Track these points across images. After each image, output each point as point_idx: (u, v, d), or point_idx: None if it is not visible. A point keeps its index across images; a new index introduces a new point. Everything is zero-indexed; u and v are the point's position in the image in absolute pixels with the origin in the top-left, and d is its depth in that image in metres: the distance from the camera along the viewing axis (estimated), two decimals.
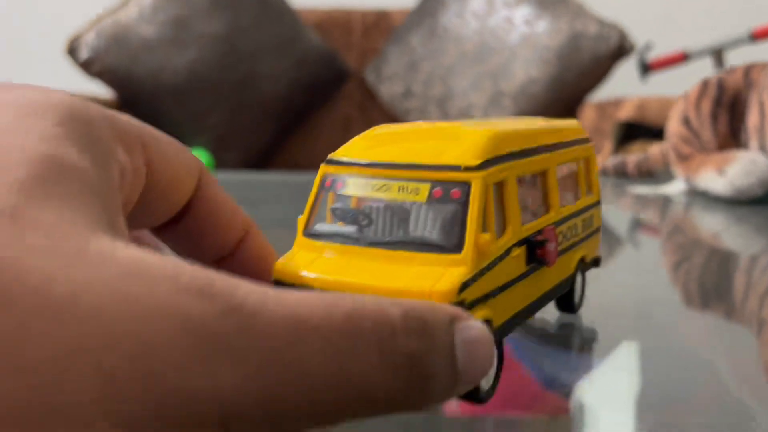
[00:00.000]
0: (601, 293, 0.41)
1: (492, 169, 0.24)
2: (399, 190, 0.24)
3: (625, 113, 1.48)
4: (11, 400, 0.12)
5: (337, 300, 0.16)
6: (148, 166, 0.21)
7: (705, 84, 0.82)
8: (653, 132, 1.35)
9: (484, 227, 0.24)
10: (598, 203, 0.36)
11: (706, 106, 0.80)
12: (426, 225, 0.24)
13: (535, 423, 0.24)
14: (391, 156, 0.25)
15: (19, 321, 0.13)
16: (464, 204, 0.23)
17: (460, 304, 0.22)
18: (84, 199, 0.16)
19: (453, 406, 0.26)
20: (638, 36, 1.64)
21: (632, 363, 0.30)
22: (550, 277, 0.29)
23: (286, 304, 0.15)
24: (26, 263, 0.13)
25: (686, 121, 0.81)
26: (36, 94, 0.18)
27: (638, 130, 1.42)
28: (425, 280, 0.22)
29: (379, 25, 1.80)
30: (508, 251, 0.25)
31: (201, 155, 1.49)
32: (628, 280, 0.45)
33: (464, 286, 0.22)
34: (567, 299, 0.33)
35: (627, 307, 0.38)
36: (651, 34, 1.63)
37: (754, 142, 0.76)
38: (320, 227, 0.25)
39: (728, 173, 0.72)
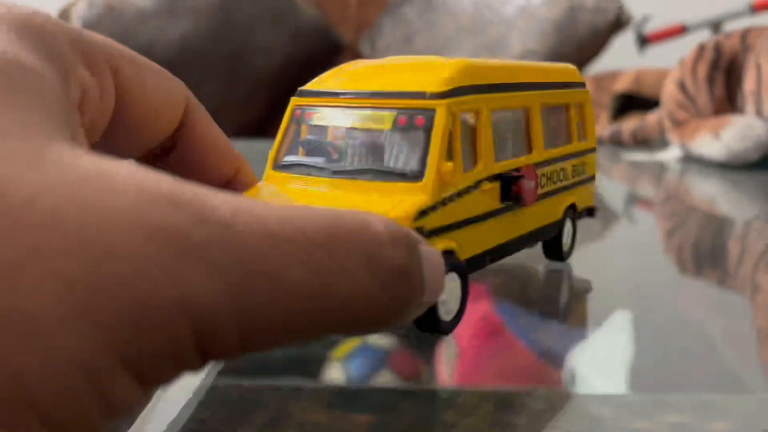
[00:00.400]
0: (595, 261, 0.40)
1: (459, 98, 0.23)
2: (366, 119, 0.24)
3: (621, 85, 1.47)
4: None
5: (317, 214, 0.15)
6: (121, 89, 0.20)
7: (701, 48, 0.81)
8: (650, 104, 1.34)
9: (449, 157, 0.23)
10: (592, 150, 0.34)
11: (703, 70, 0.79)
12: (391, 153, 0.23)
13: (529, 395, 0.24)
14: (360, 85, 0.25)
15: None
16: (428, 131, 0.23)
17: (419, 231, 0.21)
18: (43, 103, 0.15)
19: (447, 378, 0.25)
20: (636, 8, 1.62)
21: (626, 331, 0.29)
22: (531, 218, 0.29)
23: (260, 216, 0.14)
24: None
25: (682, 86, 0.81)
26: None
27: (635, 102, 1.41)
28: (382, 207, 0.22)
29: None
30: (477, 184, 0.24)
31: None
32: (622, 248, 0.44)
33: (422, 213, 0.22)
34: (555, 246, 0.33)
35: (621, 274, 0.38)
36: (649, 7, 1.61)
37: (750, 107, 0.75)
38: (288, 159, 0.25)
39: (724, 137, 0.71)
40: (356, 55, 1.78)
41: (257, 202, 0.15)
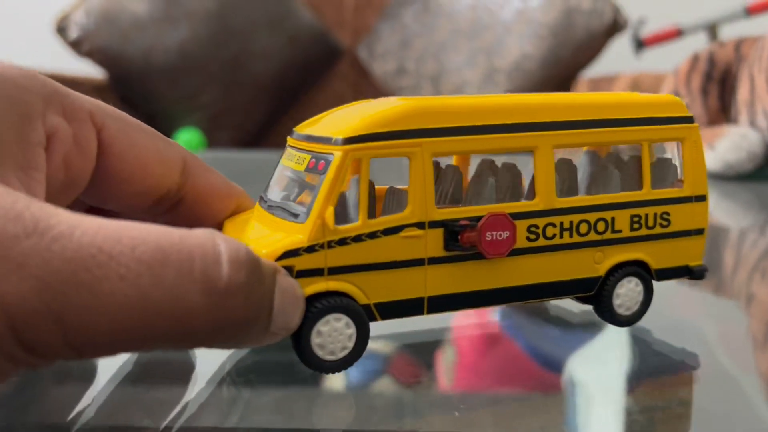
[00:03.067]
0: None
1: (371, 144, 0.24)
2: (295, 159, 0.26)
3: (618, 89, 1.47)
4: None
5: (153, 232, 0.17)
6: (106, 143, 0.23)
7: (695, 58, 0.81)
8: None
9: (346, 201, 0.25)
10: (691, 198, 0.29)
11: (697, 80, 0.79)
12: (297, 193, 0.25)
13: (528, 399, 0.25)
14: (306, 129, 0.26)
15: None
16: (324, 175, 0.24)
17: (287, 269, 0.22)
18: None
19: (447, 383, 0.26)
20: (632, 11, 1.62)
21: (623, 338, 0.30)
22: (528, 270, 0.26)
23: (94, 233, 0.17)
24: None
25: (676, 96, 0.81)
26: None
27: None
28: (264, 243, 0.23)
29: (372, 1, 1.78)
30: (394, 230, 0.24)
31: (193, 135, 1.48)
32: None
33: (290, 253, 0.23)
34: (602, 306, 0.28)
35: None
36: (645, 10, 1.61)
37: (744, 117, 0.75)
38: (263, 192, 0.27)
39: (718, 148, 0.72)
40: (354, 60, 1.78)
41: (102, 222, 0.17)
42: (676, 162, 0.30)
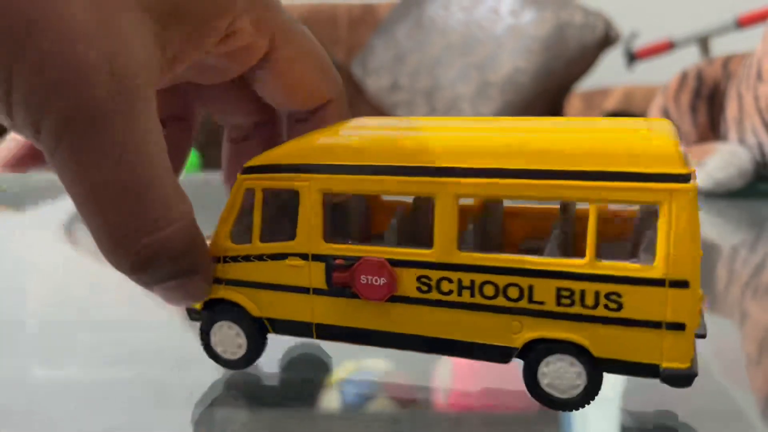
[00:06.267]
0: None
1: (262, 175, 0.26)
2: None
3: (611, 103, 1.48)
4: None
5: None
6: (267, 63, 0.26)
7: (684, 76, 0.82)
8: None
9: (241, 224, 0.27)
10: (654, 282, 0.22)
11: (686, 98, 0.80)
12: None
13: (523, 418, 0.25)
14: None
15: None
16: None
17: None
18: None
19: (442, 402, 0.26)
20: (624, 25, 1.63)
21: None
22: (421, 321, 0.25)
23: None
24: None
25: (666, 114, 0.82)
26: None
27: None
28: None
29: (366, 18, 1.79)
30: (279, 256, 0.26)
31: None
32: None
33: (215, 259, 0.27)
34: (530, 382, 0.24)
35: None
36: (636, 23, 1.62)
37: (733, 134, 0.76)
38: None
39: (708, 165, 0.72)
40: (348, 76, 1.79)
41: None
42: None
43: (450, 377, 0.28)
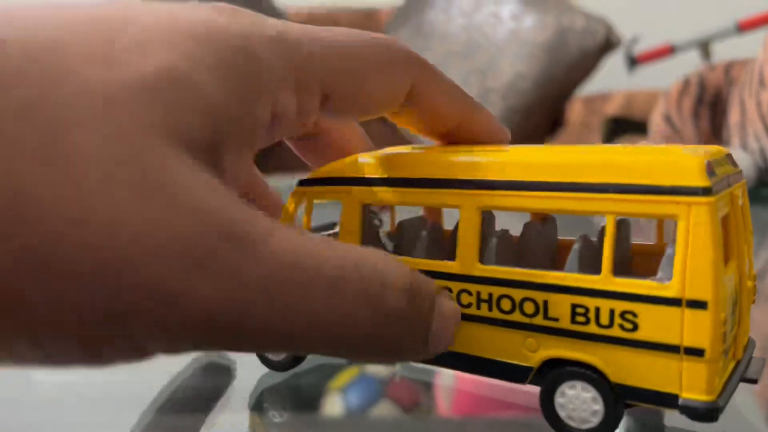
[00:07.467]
0: None
1: (306, 188, 0.27)
2: None
3: (612, 108, 1.48)
4: (10, 241, 0.14)
5: (333, 249, 0.18)
6: (331, 94, 0.22)
7: (686, 82, 0.82)
8: (641, 127, 1.35)
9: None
10: (671, 301, 0.21)
11: (688, 104, 0.80)
12: None
13: (526, 423, 0.25)
14: None
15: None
16: None
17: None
18: (181, 112, 0.17)
19: (446, 407, 0.26)
20: (625, 29, 1.64)
21: None
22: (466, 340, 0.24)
23: (287, 245, 0.17)
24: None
25: (668, 120, 0.81)
26: (199, 21, 0.19)
27: (626, 125, 1.42)
28: None
29: (367, 24, 1.79)
30: None
31: None
32: None
33: None
34: (542, 406, 0.23)
35: None
36: (637, 27, 1.62)
37: (735, 140, 0.76)
38: None
39: None
40: None
41: (298, 233, 0.18)
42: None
43: (453, 381, 0.28)
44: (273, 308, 0.17)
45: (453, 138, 0.27)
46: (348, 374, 0.29)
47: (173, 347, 0.17)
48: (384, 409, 0.26)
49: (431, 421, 0.26)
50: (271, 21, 0.21)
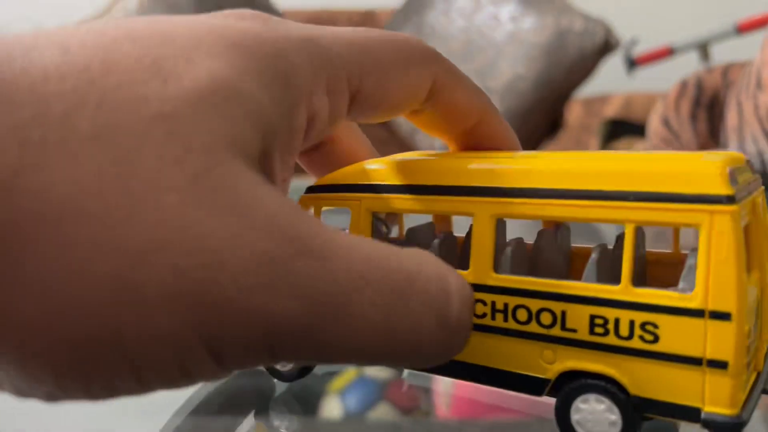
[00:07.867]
0: None
1: (314, 195, 0.27)
2: None
3: (611, 110, 1.48)
4: (99, 271, 0.15)
5: (403, 259, 0.18)
6: (356, 94, 0.22)
7: (684, 85, 0.82)
8: (640, 129, 1.35)
9: None
10: (693, 312, 0.20)
11: (685, 107, 0.80)
12: None
13: (525, 426, 0.25)
14: None
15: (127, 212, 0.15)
16: None
17: None
18: (238, 124, 0.17)
19: (445, 410, 0.26)
20: (624, 31, 1.64)
21: None
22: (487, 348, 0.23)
23: (354, 255, 0.17)
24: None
25: (666, 122, 0.82)
26: (232, 29, 0.19)
27: (625, 127, 1.42)
28: None
29: (366, 25, 1.79)
30: None
31: None
32: None
33: None
34: (558, 419, 0.23)
35: None
36: (636, 29, 1.63)
37: (733, 143, 0.76)
38: None
39: None
40: None
41: (351, 241, 0.18)
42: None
43: (452, 383, 0.28)
44: (345, 320, 0.17)
45: (469, 141, 0.26)
46: (347, 377, 0.29)
47: (253, 362, 0.17)
48: (383, 412, 0.26)
49: (430, 424, 0.26)
50: (296, 24, 0.21)
